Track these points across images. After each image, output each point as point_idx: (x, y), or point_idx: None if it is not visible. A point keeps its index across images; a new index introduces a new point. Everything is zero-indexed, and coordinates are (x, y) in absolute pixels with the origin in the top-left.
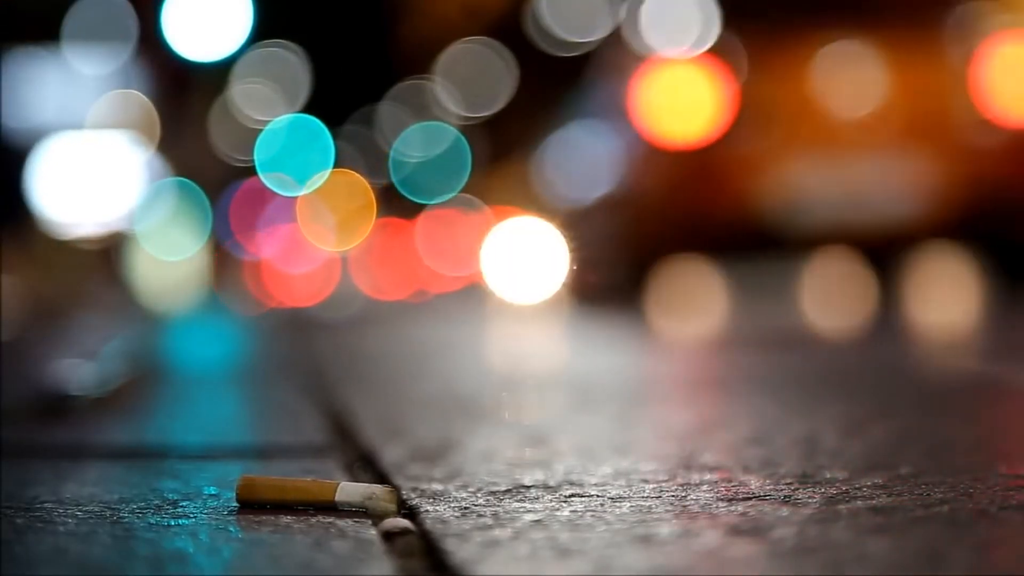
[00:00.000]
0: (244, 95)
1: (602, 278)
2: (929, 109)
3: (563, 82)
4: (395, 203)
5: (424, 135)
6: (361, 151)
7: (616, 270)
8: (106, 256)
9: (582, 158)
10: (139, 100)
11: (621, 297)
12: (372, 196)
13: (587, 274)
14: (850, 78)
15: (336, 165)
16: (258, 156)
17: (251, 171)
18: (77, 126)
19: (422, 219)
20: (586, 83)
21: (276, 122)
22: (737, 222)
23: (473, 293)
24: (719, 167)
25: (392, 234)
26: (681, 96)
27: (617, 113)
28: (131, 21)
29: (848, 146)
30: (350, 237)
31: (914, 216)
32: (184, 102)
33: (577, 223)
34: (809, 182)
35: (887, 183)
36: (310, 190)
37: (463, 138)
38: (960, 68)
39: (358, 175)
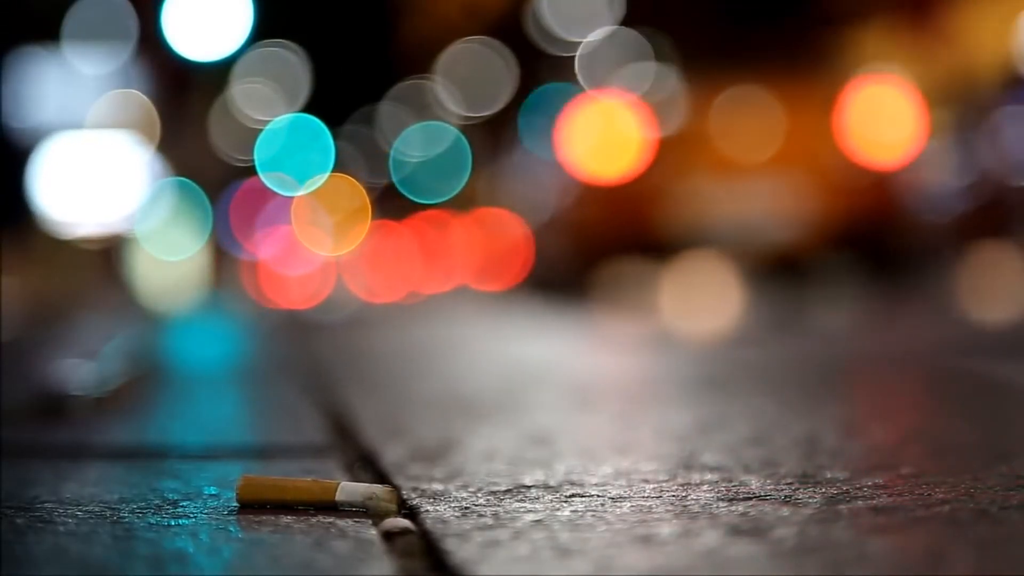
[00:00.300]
0: (244, 95)
1: (555, 276)
2: (810, 153)
3: (564, 82)
4: (394, 203)
5: (424, 135)
6: (361, 151)
7: (565, 271)
8: (107, 256)
9: (536, 174)
10: (139, 100)
11: (568, 291)
12: (367, 200)
13: (544, 271)
14: (748, 124)
15: (336, 165)
16: (258, 156)
17: (251, 171)
18: (77, 126)
19: (415, 220)
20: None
21: (276, 122)
22: (653, 240)
23: (463, 294)
24: (638, 198)
25: (386, 236)
26: (606, 135)
27: (554, 142)
28: (131, 21)
29: (745, 181)
30: (345, 241)
31: (798, 238)
32: (184, 102)
33: (537, 229)
34: (712, 210)
35: (777, 212)
36: (307, 192)
37: (463, 137)
38: (833, 117)
39: (353, 180)
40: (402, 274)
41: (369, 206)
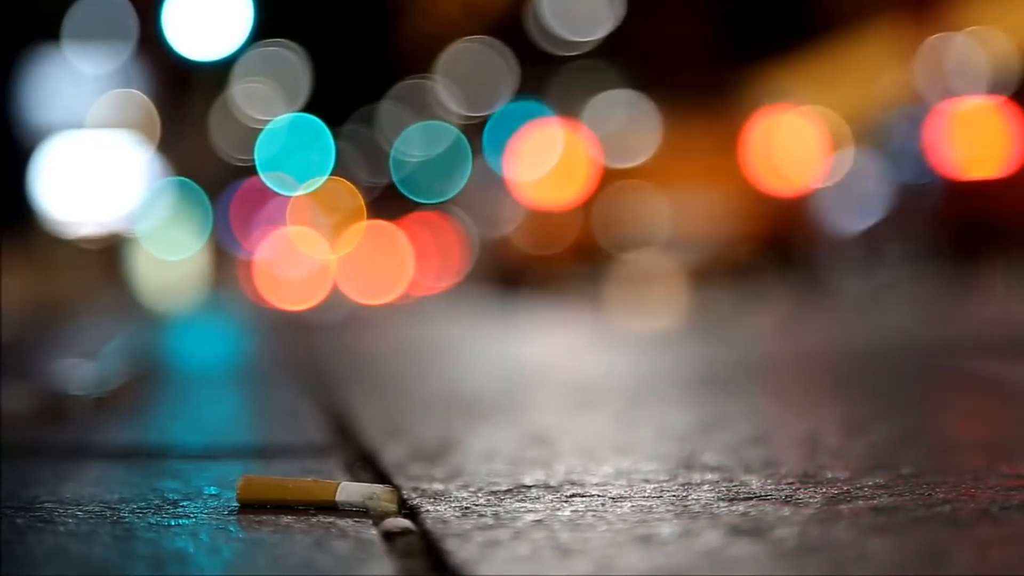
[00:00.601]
0: (244, 95)
1: (516, 278)
2: (731, 181)
3: (563, 81)
4: (395, 203)
5: (425, 134)
6: (361, 150)
7: (525, 276)
8: (107, 256)
9: (494, 185)
10: (139, 100)
11: (530, 291)
12: (362, 203)
13: (510, 275)
14: (685, 154)
15: (336, 164)
16: (258, 156)
17: (251, 170)
18: (78, 125)
19: (407, 222)
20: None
21: (276, 121)
22: (599, 255)
23: (455, 295)
24: (586, 217)
25: (380, 238)
26: (557, 165)
27: (509, 160)
28: (131, 21)
29: (680, 205)
30: (339, 244)
31: (724, 256)
32: (184, 102)
33: (503, 236)
34: (649, 230)
35: (706, 233)
36: (305, 194)
37: (464, 137)
38: (740, 149)
39: (349, 183)
40: (397, 275)
41: (364, 209)
